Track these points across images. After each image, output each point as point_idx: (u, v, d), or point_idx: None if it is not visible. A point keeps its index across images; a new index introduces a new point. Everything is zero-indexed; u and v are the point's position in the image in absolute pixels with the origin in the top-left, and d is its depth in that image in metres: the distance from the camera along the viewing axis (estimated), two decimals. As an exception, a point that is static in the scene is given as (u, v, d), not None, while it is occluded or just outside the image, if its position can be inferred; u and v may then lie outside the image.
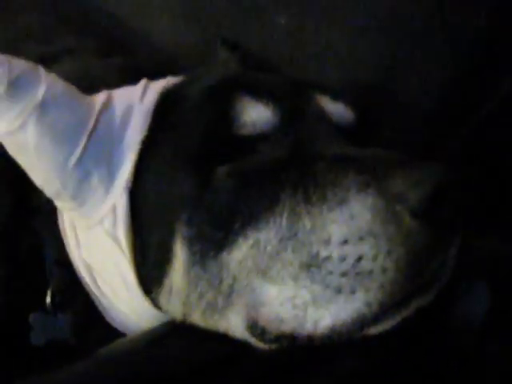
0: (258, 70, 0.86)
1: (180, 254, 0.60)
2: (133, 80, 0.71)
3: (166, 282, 0.62)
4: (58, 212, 0.70)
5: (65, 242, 0.70)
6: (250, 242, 0.58)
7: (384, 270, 0.51)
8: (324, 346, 0.56)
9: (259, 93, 0.63)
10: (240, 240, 0.58)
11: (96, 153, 0.62)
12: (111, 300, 0.68)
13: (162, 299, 0.64)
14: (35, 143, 0.59)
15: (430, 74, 0.77)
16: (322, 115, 0.66)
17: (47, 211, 0.71)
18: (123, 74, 0.85)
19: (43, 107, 0.58)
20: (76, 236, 0.68)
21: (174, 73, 0.74)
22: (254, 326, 0.59)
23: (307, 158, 0.59)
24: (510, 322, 0.61)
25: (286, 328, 0.57)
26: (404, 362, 0.60)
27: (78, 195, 0.63)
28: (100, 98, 0.65)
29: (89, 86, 0.66)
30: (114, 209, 0.63)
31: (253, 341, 0.61)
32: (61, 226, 0.70)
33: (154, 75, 0.72)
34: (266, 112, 0.61)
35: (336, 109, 0.68)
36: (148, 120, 0.64)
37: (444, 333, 0.61)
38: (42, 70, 0.60)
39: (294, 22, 0.91)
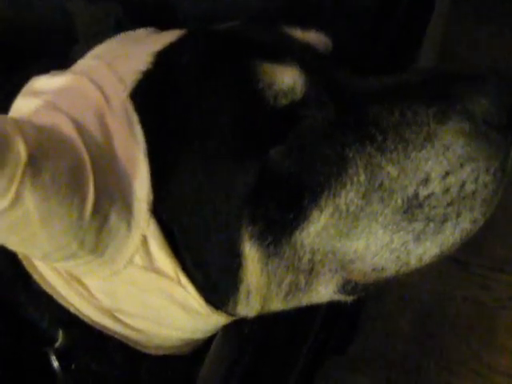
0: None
1: (252, 253, 0.55)
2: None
3: (242, 287, 0.57)
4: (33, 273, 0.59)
5: (56, 299, 0.59)
6: (329, 210, 0.55)
7: (485, 186, 0.53)
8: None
9: (275, 55, 0.56)
10: (315, 213, 0.55)
11: (107, 189, 0.51)
12: (148, 332, 0.61)
13: (241, 305, 0.58)
14: (40, 211, 0.47)
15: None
16: (318, 52, 0.61)
17: (15, 278, 0.60)
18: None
19: (33, 166, 0.45)
20: (82, 288, 0.58)
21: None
22: (346, 285, 0.59)
23: (354, 106, 0.56)
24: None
25: (388, 273, 0.57)
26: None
27: (98, 245, 0.52)
28: (62, 124, 0.52)
29: None
30: (143, 241, 0.54)
31: (339, 297, 0.60)
32: (44, 287, 0.59)
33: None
34: (294, 74, 0.55)
35: (316, 39, 0.63)
36: (135, 125, 0.53)
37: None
38: (9, 122, 0.46)
39: None
